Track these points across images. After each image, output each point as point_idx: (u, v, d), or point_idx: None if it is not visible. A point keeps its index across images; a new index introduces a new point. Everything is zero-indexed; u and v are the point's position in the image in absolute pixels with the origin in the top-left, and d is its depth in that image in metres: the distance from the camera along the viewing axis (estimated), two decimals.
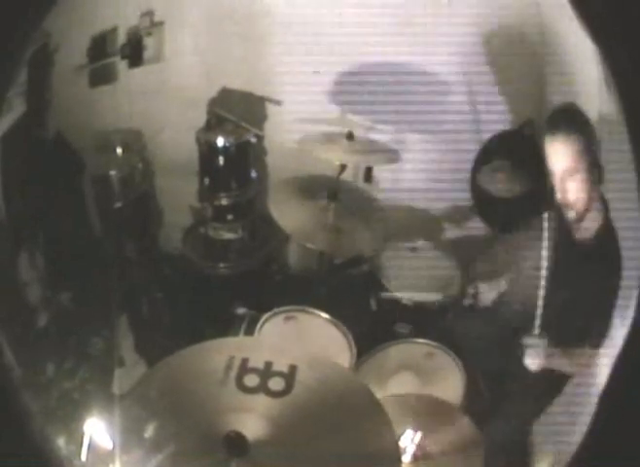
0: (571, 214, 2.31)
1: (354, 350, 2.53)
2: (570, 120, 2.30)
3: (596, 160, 2.23)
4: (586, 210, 2.28)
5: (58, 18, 2.28)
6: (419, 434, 1.96)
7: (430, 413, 2.10)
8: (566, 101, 2.41)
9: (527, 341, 2.38)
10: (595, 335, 2.20)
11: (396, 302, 2.77)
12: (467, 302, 2.83)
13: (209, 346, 1.72)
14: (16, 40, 1.76)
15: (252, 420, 1.54)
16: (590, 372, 2.21)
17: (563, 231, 2.35)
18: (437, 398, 2.19)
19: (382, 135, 3.03)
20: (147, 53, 2.96)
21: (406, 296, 2.76)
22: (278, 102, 3.11)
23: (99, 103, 2.90)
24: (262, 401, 1.58)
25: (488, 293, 2.82)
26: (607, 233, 2.26)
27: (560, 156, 2.28)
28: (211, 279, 3.12)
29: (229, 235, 3.14)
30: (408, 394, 2.25)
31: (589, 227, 2.30)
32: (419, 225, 3.13)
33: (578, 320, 2.33)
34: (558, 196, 2.30)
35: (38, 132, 2.64)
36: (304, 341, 2.52)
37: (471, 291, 2.85)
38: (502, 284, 2.81)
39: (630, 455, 1.65)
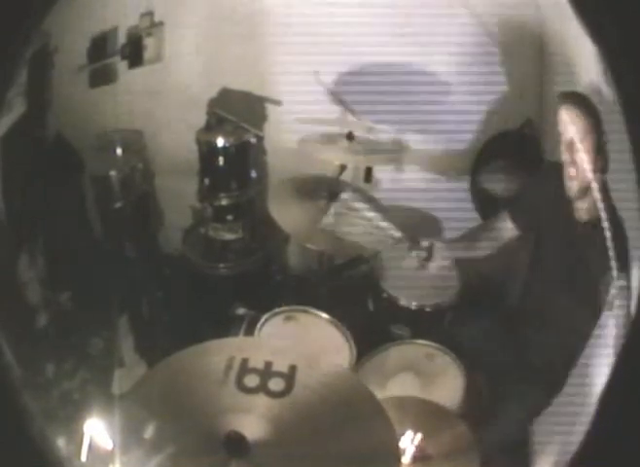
0: (573, 188, 2.31)
1: (354, 350, 2.53)
2: (581, 96, 2.31)
3: (602, 140, 2.23)
4: (588, 187, 2.27)
5: (58, 19, 2.28)
6: (419, 435, 1.95)
7: (428, 416, 2.09)
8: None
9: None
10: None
11: (394, 303, 2.76)
12: (417, 253, 2.79)
13: (209, 347, 1.72)
14: (16, 40, 1.76)
15: (252, 420, 1.54)
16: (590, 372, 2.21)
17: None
18: (434, 402, 2.19)
19: (382, 135, 3.04)
20: (147, 54, 2.97)
21: (404, 297, 2.76)
22: (278, 102, 3.11)
23: (99, 103, 2.91)
24: (262, 401, 1.58)
25: (441, 252, 2.79)
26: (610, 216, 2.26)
27: (571, 120, 2.27)
28: (211, 279, 3.12)
29: (229, 236, 3.15)
30: (407, 397, 2.24)
31: (588, 208, 2.30)
32: (419, 225, 3.13)
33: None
34: (565, 168, 2.30)
35: (38, 132, 2.64)
36: (304, 341, 2.52)
37: (425, 243, 2.79)
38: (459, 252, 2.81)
39: (630, 455, 1.65)
